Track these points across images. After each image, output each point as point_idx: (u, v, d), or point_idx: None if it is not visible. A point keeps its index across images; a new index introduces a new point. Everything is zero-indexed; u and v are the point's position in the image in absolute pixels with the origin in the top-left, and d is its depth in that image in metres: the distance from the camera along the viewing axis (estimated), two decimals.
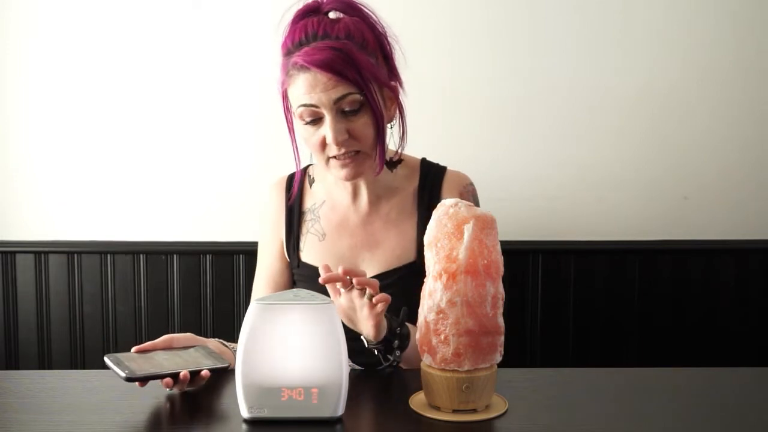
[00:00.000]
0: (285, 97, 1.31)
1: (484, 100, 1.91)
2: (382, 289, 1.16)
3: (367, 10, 1.30)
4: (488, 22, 1.89)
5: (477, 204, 1.43)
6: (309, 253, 1.41)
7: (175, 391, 1.11)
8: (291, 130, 1.34)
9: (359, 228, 1.40)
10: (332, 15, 1.29)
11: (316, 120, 1.27)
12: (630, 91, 1.90)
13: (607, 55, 1.89)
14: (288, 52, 1.27)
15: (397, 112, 1.34)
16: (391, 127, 1.34)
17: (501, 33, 1.89)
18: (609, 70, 1.90)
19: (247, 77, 1.91)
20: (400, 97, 1.33)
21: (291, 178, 1.47)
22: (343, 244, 1.39)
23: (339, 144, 1.26)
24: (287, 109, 1.32)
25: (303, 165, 1.41)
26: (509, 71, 1.90)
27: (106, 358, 1.09)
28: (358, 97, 1.24)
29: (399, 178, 1.42)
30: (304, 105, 1.25)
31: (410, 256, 1.37)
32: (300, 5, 1.29)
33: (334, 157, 1.28)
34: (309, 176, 1.48)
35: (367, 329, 1.16)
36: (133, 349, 1.13)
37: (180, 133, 1.93)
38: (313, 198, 1.44)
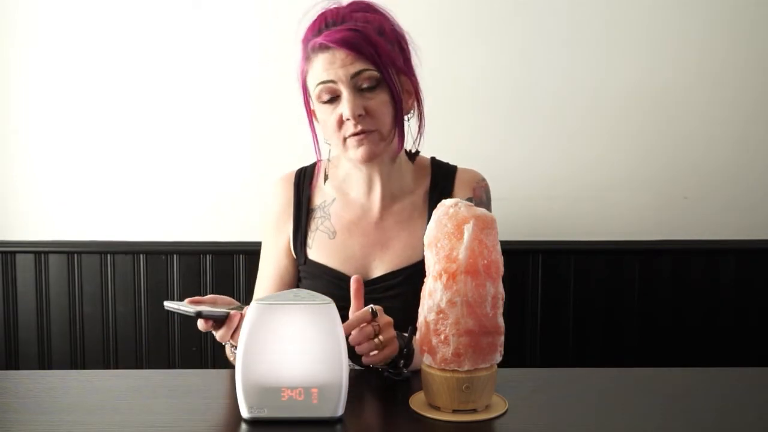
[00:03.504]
0: (305, 87, 1.34)
1: (484, 100, 1.91)
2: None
3: (388, 14, 1.33)
4: (486, 22, 1.89)
5: (489, 200, 1.45)
6: (317, 251, 1.40)
7: (220, 333, 1.17)
8: (311, 122, 1.37)
9: (372, 227, 1.40)
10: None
11: (334, 99, 1.28)
12: (630, 90, 1.90)
13: (608, 54, 1.89)
14: (307, 41, 1.30)
15: (415, 104, 1.36)
16: (408, 120, 1.36)
17: (499, 32, 1.89)
18: (609, 69, 1.90)
19: (247, 78, 1.91)
20: (419, 91, 1.35)
21: (300, 174, 1.47)
22: (355, 243, 1.39)
23: (356, 119, 1.26)
24: (307, 102, 1.35)
25: (315, 161, 1.42)
26: (508, 71, 1.90)
27: (166, 304, 1.15)
28: (375, 73, 1.27)
29: (411, 178, 1.43)
30: (322, 82, 1.27)
31: (419, 255, 1.36)
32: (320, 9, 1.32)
33: (351, 135, 1.29)
34: (322, 172, 1.47)
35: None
36: (187, 300, 1.17)
37: (180, 133, 1.93)
38: (323, 195, 1.44)
